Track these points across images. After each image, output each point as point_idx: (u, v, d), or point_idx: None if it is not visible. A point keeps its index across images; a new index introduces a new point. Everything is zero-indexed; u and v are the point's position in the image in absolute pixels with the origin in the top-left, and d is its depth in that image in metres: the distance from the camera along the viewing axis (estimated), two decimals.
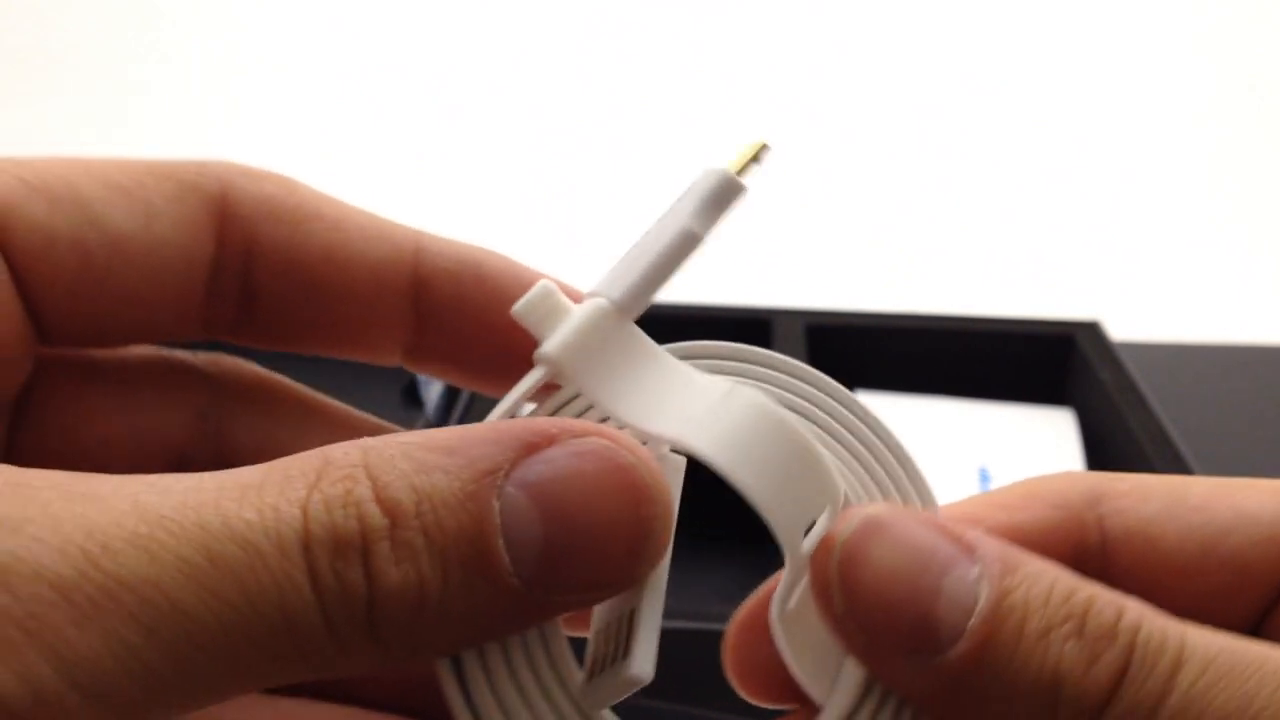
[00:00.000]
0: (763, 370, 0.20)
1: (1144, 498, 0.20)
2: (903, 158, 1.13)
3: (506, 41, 1.34)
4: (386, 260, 0.21)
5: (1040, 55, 1.32)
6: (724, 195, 0.19)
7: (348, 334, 0.21)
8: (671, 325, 0.78)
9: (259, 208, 0.20)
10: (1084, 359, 0.71)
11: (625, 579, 0.17)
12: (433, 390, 0.68)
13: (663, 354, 0.19)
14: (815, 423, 0.20)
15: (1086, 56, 1.32)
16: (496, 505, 0.15)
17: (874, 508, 0.18)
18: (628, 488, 0.16)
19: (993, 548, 0.17)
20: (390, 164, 1.11)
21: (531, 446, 0.16)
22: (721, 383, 0.19)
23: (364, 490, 0.15)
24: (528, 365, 0.18)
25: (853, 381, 0.73)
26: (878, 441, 0.20)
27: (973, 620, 0.16)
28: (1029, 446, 0.69)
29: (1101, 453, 0.68)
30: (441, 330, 0.21)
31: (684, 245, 0.19)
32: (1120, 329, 0.75)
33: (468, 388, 0.22)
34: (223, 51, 1.34)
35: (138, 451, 0.20)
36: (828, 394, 0.20)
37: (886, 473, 0.19)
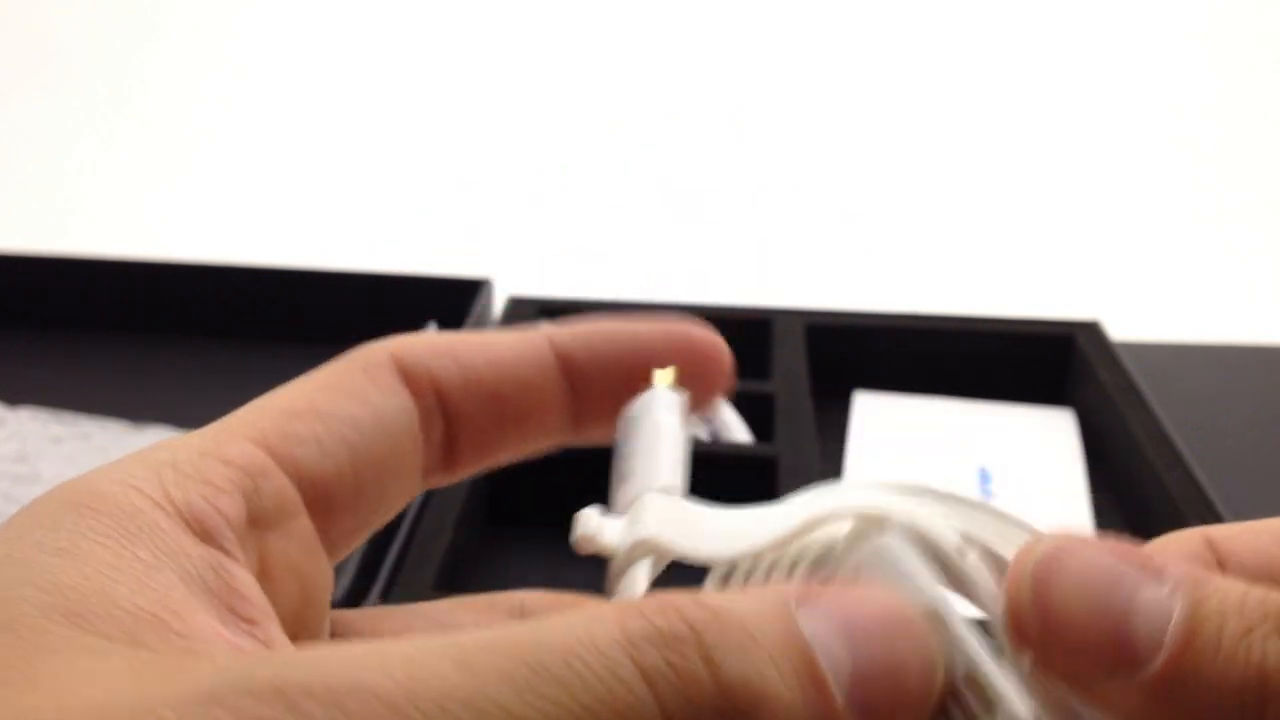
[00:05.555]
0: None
1: (1255, 534, 0.21)
2: (903, 157, 1.13)
3: (505, 42, 1.34)
4: (531, 348, 0.23)
5: (1040, 55, 1.32)
6: (672, 401, 0.22)
7: (529, 428, 0.23)
8: None
9: (423, 354, 0.22)
10: (1084, 359, 0.71)
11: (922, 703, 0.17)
12: None
13: (742, 508, 0.20)
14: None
15: (1086, 56, 1.32)
16: (805, 630, 0.16)
17: (1057, 536, 0.18)
18: (912, 624, 0.17)
19: (1180, 567, 0.17)
20: (389, 165, 1.11)
21: (802, 598, 0.16)
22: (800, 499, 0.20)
23: (679, 597, 0.16)
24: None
25: (853, 381, 0.73)
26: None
27: (1170, 631, 0.17)
28: (1029, 446, 0.69)
29: (1101, 453, 0.68)
30: (590, 392, 0.23)
31: (676, 435, 0.21)
32: (1120, 329, 0.75)
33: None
34: (223, 52, 1.34)
35: None
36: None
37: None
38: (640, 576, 0.19)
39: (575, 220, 1.02)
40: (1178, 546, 0.21)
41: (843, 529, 0.19)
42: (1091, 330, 0.74)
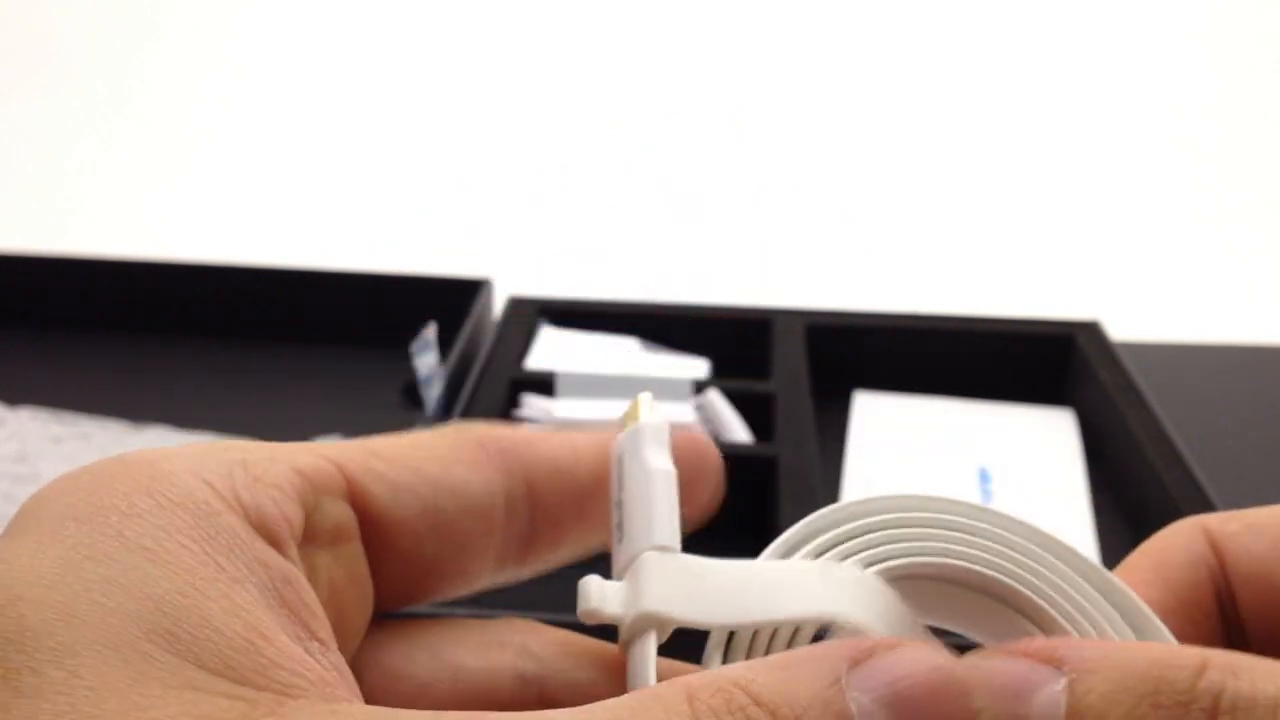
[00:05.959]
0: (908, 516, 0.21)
1: (1255, 535, 0.20)
2: (903, 157, 1.13)
3: (504, 42, 1.34)
4: (606, 442, 0.22)
5: (1040, 55, 1.32)
6: (657, 436, 0.21)
7: (603, 521, 0.22)
8: (672, 325, 0.78)
9: (514, 437, 0.22)
10: (1084, 359, 0.71)
11: None
12: (432, 390, 0.68)
13: (736, 563, 0.20)
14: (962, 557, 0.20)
15: (1086, 56, 1.32)
16: (854, 709, 0.16)
17: (975, 654, 0.18)
18: (956, 685, 0.16)
19: (1078, 652, 0.17)
20: (389, 165, 1.11)
21: (855, 660, 0.16)
22: (811, 564, 0.20)
23: (742, 697, 0.16)
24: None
25: (853, 381, 0.73)
26: (1073, 573, 0.20)
27: None
28: (1029, 446, 0.69)
29: (1101, 453, 0.68)
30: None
31: (667, 479, 0.21)
32: (1120, 329, 0.75)
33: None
34: (223, 52, 1.34)
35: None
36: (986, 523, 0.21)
37: (1087, 600, 0.20)
38: (648, 651, 0.19)
39: (575, 220, 1.02)
40: (1167, 546, 0.21)
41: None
42: (1091, 330, 0.74)
